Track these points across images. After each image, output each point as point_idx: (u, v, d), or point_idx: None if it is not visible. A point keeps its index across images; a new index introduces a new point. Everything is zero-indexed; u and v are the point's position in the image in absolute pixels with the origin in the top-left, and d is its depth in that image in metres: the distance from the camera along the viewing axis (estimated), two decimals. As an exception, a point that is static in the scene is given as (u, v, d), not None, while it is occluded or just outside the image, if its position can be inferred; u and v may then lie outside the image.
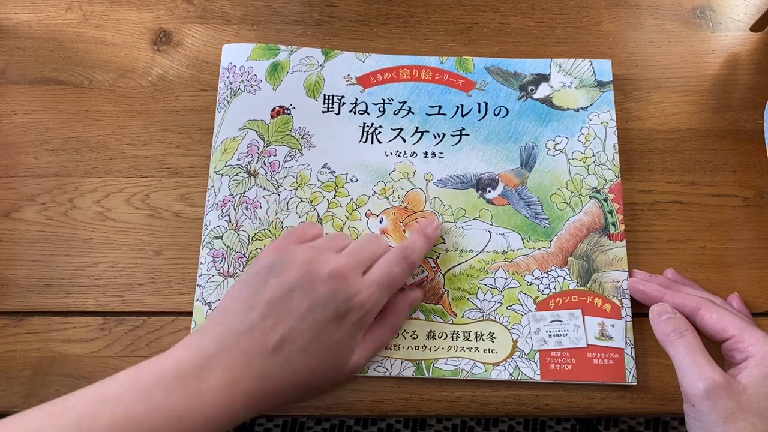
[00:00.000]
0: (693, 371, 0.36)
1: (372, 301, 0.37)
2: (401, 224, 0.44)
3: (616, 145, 0.46)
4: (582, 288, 0.43)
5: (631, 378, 0.41)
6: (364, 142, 0.46)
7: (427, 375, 0.41)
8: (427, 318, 0.42)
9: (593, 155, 0.46)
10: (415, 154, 0.46)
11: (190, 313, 0.42)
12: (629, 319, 0.42)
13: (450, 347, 0.42)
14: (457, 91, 0.48)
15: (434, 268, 0.43)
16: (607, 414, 0.41)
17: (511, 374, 0.41)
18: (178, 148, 0.47)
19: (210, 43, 0.50)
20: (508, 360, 0.41)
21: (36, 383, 0.41)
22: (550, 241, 0.44)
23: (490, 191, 0.45)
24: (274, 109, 0.47)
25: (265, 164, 0.45)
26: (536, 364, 0.41)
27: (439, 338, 0.42)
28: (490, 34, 0.51)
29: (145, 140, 0.47)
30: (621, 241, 0.44)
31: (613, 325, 0.42)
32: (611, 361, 0.41)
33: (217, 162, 0.45)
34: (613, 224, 0.44)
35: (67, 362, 0.42)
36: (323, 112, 0.47)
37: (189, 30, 0.51)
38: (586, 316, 0.42)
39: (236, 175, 0.45)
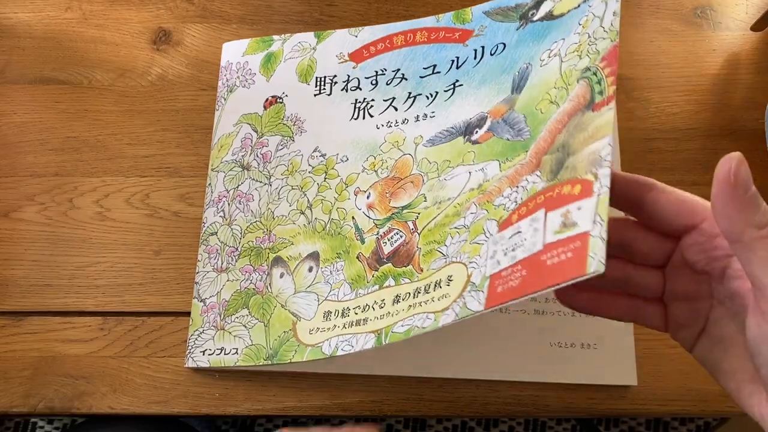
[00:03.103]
0: None
1: None
2: (387, 195, 0.42)
3: (618, 12, 0.33)
4: (551, 183, 0.32)
5: (595, 265, 0.27)
6: (356, 118, 0.45)
7: (384, 343, 0.35)
8: (397, 283, 0.38)
9: (589, 37, 0.35)
10: (406, 121, 0.44)
11: (189, 314, 0.42)
12: (604, 190, 0.28)
13: (410, 306, 0.36)
14: (453, 45, 0.44)
15: (412, 229, 0.40)
16: (608, 415, 0.41)
17: (457, 314, 0.32)
18: (177, 147, 0.47)
19: (210, 43, 0.50)
20: (458, 300, 0.33)
21: (35, 383, 0.41)
22: (527, 151, 0.36)
23: (477, 131, 0.41)
24: (267, 99, 0.46)
25: (257, 156, 0.45)
26: (484, 293, 0.32)
27: (404, 300, 0.37)
28: (490, 33, 0.51)
29: (144, 140, 0.47)
30: (607, 105, 0.31)
31: (579, 208, 0.29)
32: (570, 254, 0.28)
33: (214, 159, 0.45)
34: (600, 93, 0.32)
35: (66, 362, 0.42)
36: (315, 95, 0.46)
37: (189, 29, 0.51)
38: (548, 213, 0.31)
39: (231, 170, 0.45)
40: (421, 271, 0.38)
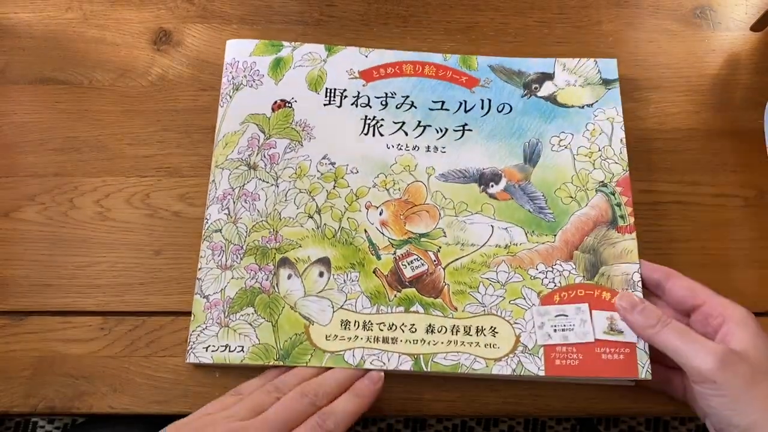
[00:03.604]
0: (697, 349, 0.36)
1: None
2: (402, 217, 0.44)
3: (624, 140, 0.46)
4: (589, 282, 0.42)
5: (644, 373, 0.39)
6: (366, 134, 0.46)
7: (425, 370, 0.40)
8: (426, 312, 0.41)
9: (599, 150, 0.46)
10: (417, 148, 0.46)
11: (189, 313, 0.42)
12: None
13: (450, 341, 0.41)
14: (460, 87, 0.48)
15: (435, 261, 0.43)
16: (608, 414, 0.41)
17: (514, 370, 0.40)
18: (178, 147, 0.47)
19: (210, 43, 0.50)
20: (511, 355, 0.40)
21: (35, 383, 0.41)
22: (555, 235, 0.43)
23: (492, 186, 0.45)
24: (275, 102, 0.47)
25: (264, 156, 0.45)
26: (540, 359, 0.40)
27: (439, 332, 0.41)
28: (490, 33, 0.51)
29: (145, 140, 0.47)
30: (630, 233, 0.43)
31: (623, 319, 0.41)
32: (621, 356, 0.40)
33: (219, 156, 0.45)
34: (622, 217, 0.44)
35: (66, 362, 0.42)
36: (325, 104, 0.47)
37: (189, 29, 0.51)
38: (593, 311, 0.41)
39: (236, 168, 0.45)
40: (455, 309, 0.42)
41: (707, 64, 0.50)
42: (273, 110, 0.46)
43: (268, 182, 0.44)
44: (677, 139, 0.48)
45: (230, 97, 0.47)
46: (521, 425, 0.96)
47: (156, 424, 0.51)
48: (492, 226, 0.44)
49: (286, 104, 0.46)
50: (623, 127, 0.46)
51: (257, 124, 0.46)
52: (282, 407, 0.36)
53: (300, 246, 0.43)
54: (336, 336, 0.40)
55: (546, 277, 0.42)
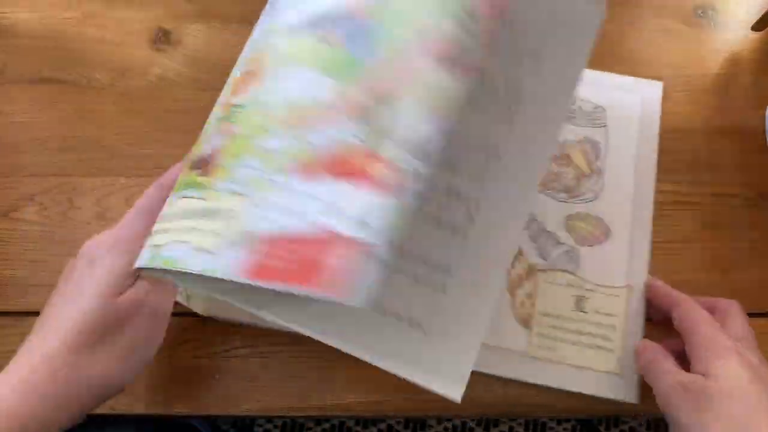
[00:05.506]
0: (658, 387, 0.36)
1: None
2: (235, 91, 0.34)
3: None
4: (367, 145, 0.27)
5: (360, 299, 0.23)
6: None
7: (155, 266, 0.29)
8: (190, 194, 0.30)
9: None
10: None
11: (189, 313, 0.42)
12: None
13: (187, 229, 0.29)
14: None
15: (233, 133, 0.31)
16: (608, 415, 0.41)
17: (203, 269, 0.27)
18: (177, 147, 0.47)
19: (210, 42, 0.50)
20: (222, 245, 0.27)
21: (35, 383, 0.41)
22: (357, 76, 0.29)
23: (327, 27, 0.31)
24: None
25: None
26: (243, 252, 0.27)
27: (185, 219, 0.29)
28: (490, 33, 0.51)
29: (144, 140, 0.47)
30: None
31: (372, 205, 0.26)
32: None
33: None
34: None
35: (66, 362, 0.42)
36: None
37: (188, 29, 0.51)
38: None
39: None
40: (211, 189, 0.30)
41: (708, 64, 0.50)
42: None
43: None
44: (678, 139, 0.48)
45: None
46: (521, 425, 0.97)
47: (156, 424, 0.51)
48: (304, 80, 0.30)
49: None
50: None
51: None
52: None
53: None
54: None
55: (321, 136, 0.28)
